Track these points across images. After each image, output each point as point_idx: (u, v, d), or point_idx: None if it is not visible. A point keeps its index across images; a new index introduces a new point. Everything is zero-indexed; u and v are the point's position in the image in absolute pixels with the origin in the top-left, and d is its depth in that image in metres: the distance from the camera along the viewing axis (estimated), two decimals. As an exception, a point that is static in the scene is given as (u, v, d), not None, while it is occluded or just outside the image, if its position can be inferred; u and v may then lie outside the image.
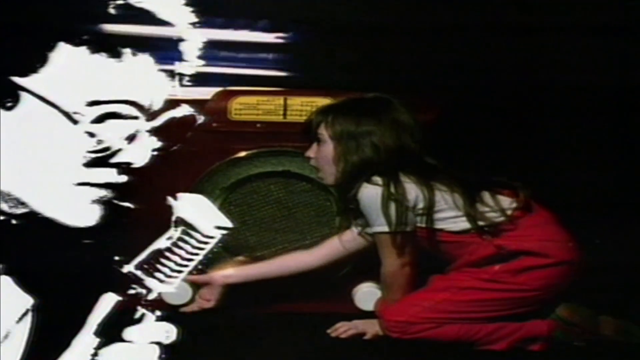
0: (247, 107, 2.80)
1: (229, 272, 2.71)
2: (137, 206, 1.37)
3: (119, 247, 1.37)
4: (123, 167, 1.30)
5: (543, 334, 2.52)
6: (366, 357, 2.58)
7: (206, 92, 2.78)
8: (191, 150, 2.72)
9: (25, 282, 1.30)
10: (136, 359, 1.32)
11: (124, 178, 1.31)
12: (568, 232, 2.58)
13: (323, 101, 2.73)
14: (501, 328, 2.52)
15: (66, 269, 1.40)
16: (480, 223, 2.52)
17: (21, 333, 1.31)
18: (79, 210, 1.30)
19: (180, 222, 1.36)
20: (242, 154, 2.80)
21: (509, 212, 2.54)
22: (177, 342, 1.34)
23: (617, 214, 3.07)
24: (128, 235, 1.44)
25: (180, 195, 1.39)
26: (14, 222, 1.29)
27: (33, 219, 1.29)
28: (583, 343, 2.54)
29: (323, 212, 2.79)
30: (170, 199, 1.38)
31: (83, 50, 1.25)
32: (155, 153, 1.32)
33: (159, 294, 1.33)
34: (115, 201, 1.33)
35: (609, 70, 3.12)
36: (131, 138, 1.30)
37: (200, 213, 1.37)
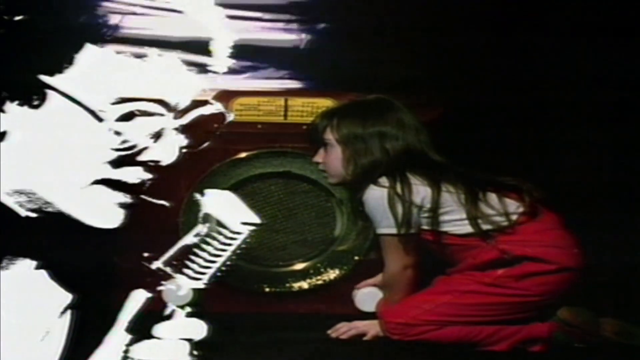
0: (247, 108, 2.82)
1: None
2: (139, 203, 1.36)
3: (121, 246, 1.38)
4: (149, 166, 1.30)
5: (543, 336, 2.53)
6: (366, 358, 2.60)
7: (207, 93, 2.79)
8: (192, 152, 2.75)
9: (59, 279, 1.31)
10: (166, 356, 1.33)
11: (149, 175, 1.31)
12: (574, 238, 2.60)
13: (324, 102, 2.76)
14: (502, 329, 2.53)
15: (96, 266, 1.43)
16: (485, 227, 2.54)
17: (61, 330, 1.32)
18: (104, 211, 1.30)
19: (208, 218, 1.35)
20: (243, 154, 2.83)
21: (514, 217, 2.56)
22: (207, 339, 1.34)
23: (618, 213, 3.08)
24: (129, 235, 1.45)
25: (208, 191, 1.39)
26: (45, 218, 1.29)
27: (61, 216, 1.29)
28: (583, 344, 2.56)
29: (324, 213, 2.82)
30: (198, 195, 1.37)
31: (109, 50, 1.26)
32: (183, 151, 1.33)
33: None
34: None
35: (610, 68, 3.14)
36: (157, 136, 1.30)
37: (227, 209, 1.37)
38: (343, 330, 2.62)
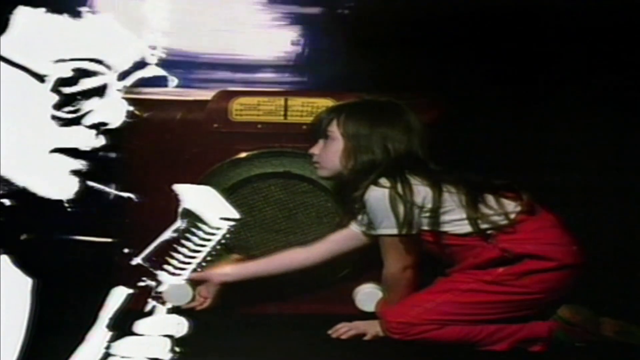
0: (247, 108, 2.85)
1: (226, 270, 2.76)
2: (137, 200, 1.36)
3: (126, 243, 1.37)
4: (98, 129, 1.27)
5: (544, 335, 2.57)
6: (367, 358, 2.62)
7: (207, 93, 2.87)
8: (192, 151, 2.82)
9: (33, 273, 1.28)
10: (148, 352, 1.31)
11: (100, 140, 1.27)
12: (572, 235, 2.63)
13: (324, 102, 2.79)
14: (502, 329, 2.57)
15: (74, 261, 1.42)
16: (484, 226, 2.58)
17: (21, 314, 1.29)
18: (57, 179, 1.26)
19: (187, 213, 1.34)
20: (243, 154, 2.85)
21: (512, 216, 2.59)
22: (188, 335, 1.32)
23: (618, 213, 3.09)
24: (134, 235, 1.46)
25: (186, 186, 1.38)
26: (7, 202, 1.26)
27: (27, 201, 1.25)
28: (584, 343, 2.58)
29: (324, 212, 2.83)
30: (177, 190, 1.36)
31: (42, 11, 1.23)
32: (129, 116, 1.28)
33: (165, 289, 1.33)
34: (116, 192, 1.32)
35: (609, 66, 3.16)
36: (101, 96, 1.27)
37: (206, 204, 1.36)
38: (343, 330, 2.65)
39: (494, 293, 2.57)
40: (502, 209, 2.60)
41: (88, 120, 1.26)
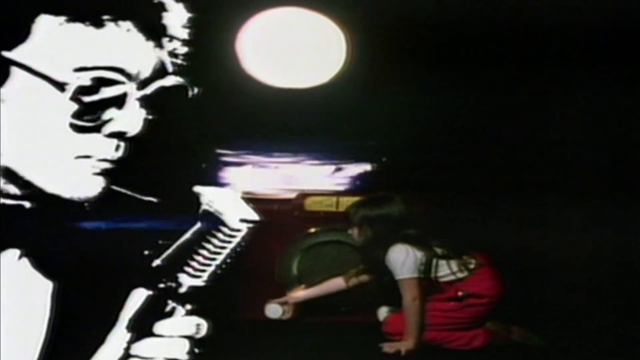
0: (315, 203, 4.19)
1: (299, 294, 4.11)
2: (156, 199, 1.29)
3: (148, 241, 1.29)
4: (118, 137, 1.20)
5: (482, 337, 3.92)
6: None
7: (292, 194, 4.25)
8: (283, 228, 4.10)
9: (49, 272, 1.23)
10: (167, 353, 1.25)
11: (120, 146, 1.21)
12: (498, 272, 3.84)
13: (354, 199, 4.09)
14: (466, 334, 3.89)
15: (95, 263, 1.28)
16: (451, 278, 3.93)
17: (42, 317, 1.22)
18: (79, 181, 1.19)
19: (207, 215, 1.27)
20: (312, 230, 4.22)
21: (468, 271, 3.90)
22: (207, 337, 1.27)
23: (617, 213, 3.43)
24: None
25: (206, 188, 1.30)
26: (27, 205, 1.21)
27: (44, 201, 1.20)
28: (501, 344, 3.76)
29: (355, 262, 4.08)
30: (197, 191, 1.28)
31: (63, 19, 1.16)
32: (148, 122, 1.22)
33: (190, 288, 1.27)
34: (137, 195, 1.26)
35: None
36: (120, 106, 1.19)
37: (227, 206, 1.28)
38: (386, 349, 3.76)
39: (446, 317, 3.86)
40: (464, 266, 3.91)
41: (107, 129, 1.18)
